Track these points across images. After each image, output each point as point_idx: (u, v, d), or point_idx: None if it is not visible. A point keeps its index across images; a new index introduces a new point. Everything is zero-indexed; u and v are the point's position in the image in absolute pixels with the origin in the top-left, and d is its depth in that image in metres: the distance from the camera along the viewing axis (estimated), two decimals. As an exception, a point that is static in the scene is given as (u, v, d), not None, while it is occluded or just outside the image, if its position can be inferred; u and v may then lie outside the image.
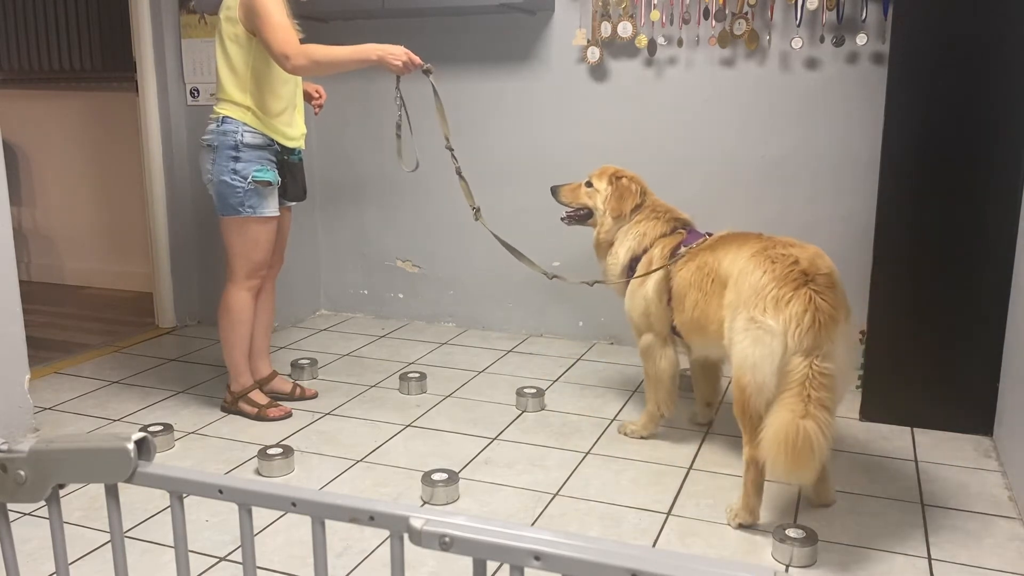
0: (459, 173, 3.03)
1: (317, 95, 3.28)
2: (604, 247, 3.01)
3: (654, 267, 2.80)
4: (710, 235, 2.75)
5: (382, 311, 4.55)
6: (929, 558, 2.23)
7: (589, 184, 3.03)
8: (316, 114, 3.38)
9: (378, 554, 2.24)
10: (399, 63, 2.85)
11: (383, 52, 2.84)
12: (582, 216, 3.08)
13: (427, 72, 2.93)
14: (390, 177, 4.26)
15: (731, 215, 3.54)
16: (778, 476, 2.20)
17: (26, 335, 3.04)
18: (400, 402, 3.36)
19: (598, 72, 3.87)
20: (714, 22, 3.58)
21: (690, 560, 0.76)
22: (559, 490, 2.62)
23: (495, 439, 3.00)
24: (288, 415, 3.19)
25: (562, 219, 3.13)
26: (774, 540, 2.23)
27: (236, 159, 2.91)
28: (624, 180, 2.95)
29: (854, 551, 2.26)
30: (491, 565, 0.88)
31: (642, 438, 2.98)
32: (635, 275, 2.87)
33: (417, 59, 2.89)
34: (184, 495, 1.03)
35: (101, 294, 5.23)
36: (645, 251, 2.87)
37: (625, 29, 3.69)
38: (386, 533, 0.91)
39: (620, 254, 2.93)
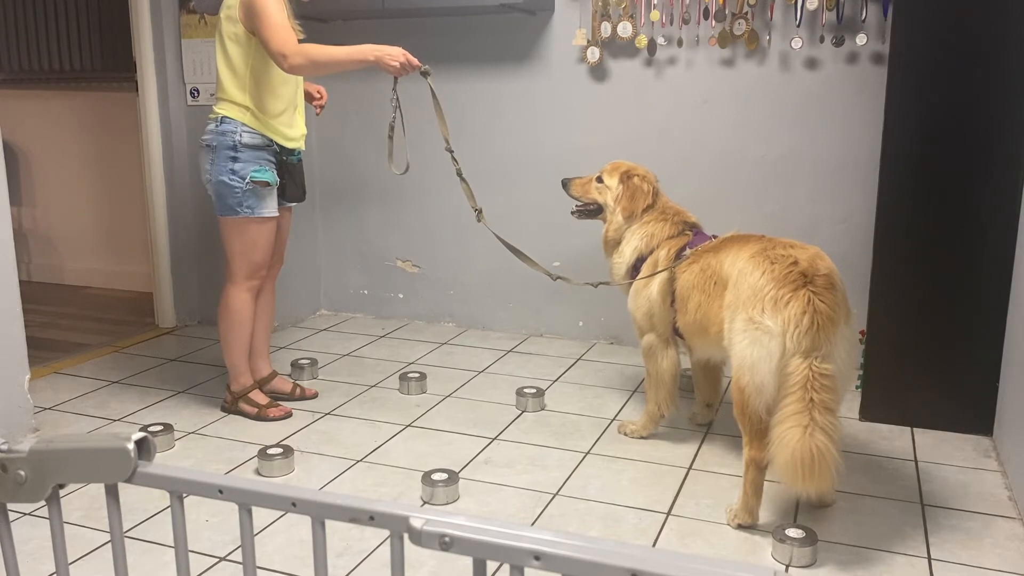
0: (460, 175, 3.02)
1: (319, 95, 3.28)
2: (612, 245, 3.00)
3: (658, 269, 2.80)
4: (716, 237, 2.74)
5: (382, 311, 4.55)
6: (929, 558, 2.23)
7: (600, 180, 3.02)
8: (318, 115, 3.38)
9: (378, 554, 2.24)
10: (396, 64, 2.84)
11: (380, 53, 2.83)
12: (592, 211, 3.07)
13: (425, 74, 2.92)
14: (390, 177, 4.25)
15: (731, 215, 3.55)
16: (797, 491, 2.21)
17: (26, 335, 3.04)
18: (400, 402, 3.36)
19: (598, 72, 3.87)
20: (714, 22, 3.58)
21: (690, 560, 0.76)
22: (559, 490, 2.62)
23: (495, 439, 3.00)
24: (288, 415, 3.19)
25: (572, 212, 3.13)
26: (774, 540, 2.23)
27: (234, 159, 2.91)
28: (636, 179, 2.93)
29: (854, 551, 2.26)
30: (491, 565, 0.88)
31: (642, 438, 2.98)
32: (640, 276, 2.86)
33: (415, 60, 2.88)
34: (184, 495, 1.03)
35: (101, 294, 5.23)
36: (651, 252, 2.87)
37: (625, 29, 3.69)
38: (386, 533, 0.91)
39: (626, 253, 2.93)
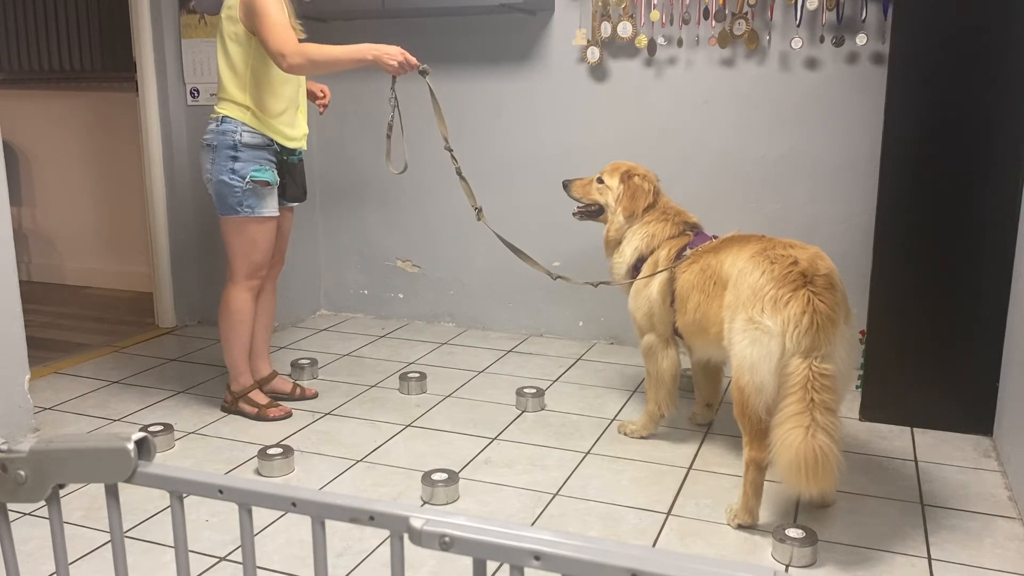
0: (459, 174, 3.02)
1: (322, 95, 3.27)
2: (613, 245, 3.00)
3: (659, 269, 2.80)
4: (716, 238, 2.74)
5: (382, 311, 4.55)
6: (929, 558, 2.23)
7: (601, 180, 3.02)
8: (321, 113, 3.38)
9: (378, 554, 2.24)
10: (394, 63, 2.84)
11: (379, 52, 2.83)
12: (593, 212, 3.07)
13: (423, 73, 2.92)
14: (390, 177, 4.25)
15: (731, 215, 3.55)
16: (799, 492, 2.21)
17: (26, 335, 3.04)
18: (400, 402, 3.36)
19: (598, 72, 3.87)
20: (714, 22, 3.58)
21: (690, 560, 0.76)
22: (559, 490, 2.62)
23: (495, 439, 3.00)
24: (288, 415, 3.19)
25: (574, 214, 3.13)
26: (774, 540, 2.23)
27: (235, 159, 2.91)
28: (636, 179, 2.94)
29: (854, 551, 2.26)
30: (491, 565, 0.88)
31: (642, 438, 2.98)
32: (640, 276, 2.86)
33: (413, 60, 2.88)
34: (184, 495, 1.03)
35: (101, 294, 5.23)
36: (652, 252, 2.87)
37: (625, 29, 3.69)
38: (386, 533, 0.91)
39: (627, 253, 2.93)
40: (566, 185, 3.12)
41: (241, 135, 2.90)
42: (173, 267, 4.34)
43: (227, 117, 2.92)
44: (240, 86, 2.91)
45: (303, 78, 3.06)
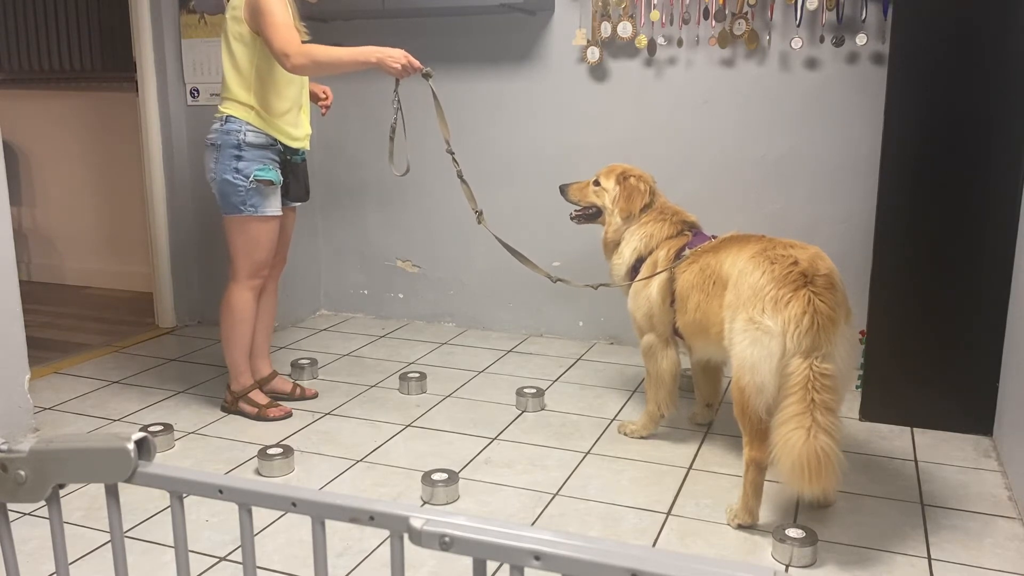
0: (461, 177, 3.02)
1: (324, 96, 3.27)
2: (611, 246, 3.00)
3: (658, 269, 2.80)
4: (715, 237, 2.74)
5: (382, 311, 4.55)
6: (929, 558, 2.23)
7: (597, 183, 3.03)
8: (323, 115, 3.38)
9: (378, 554, 2.24)
10: (398, 66, 2.85)
11: (382, 55, 2.84)
12: (591, 215, 3.07)
13: (427, 76, 2.93)
14: (391, 178, 4.25)
15: (731, 215, 3.55)
16: (802, 493, 2.21)
17: (26, 335, 3.03)
18: (400, 402, 3.36)
19: (598, 72, 3.87)
20: (714, 22, 3.58)
21: (690, 560, 0.76)
22: (559, 490, 2.62)
23: (495, 439, 3.00)
24: (288, 415, 3.19)
25: (571, 217, 3.13)
26: (774, 540, 2.23)
27: (239, 158, 2.91)
28: (632, 179, 2.94)
29: (854, 551, 2.26)
30: (491, 565, 0.88)
31: (642, 438, 2.98)
32: (639, 276, 2.87)
33: (416, 63, 2.89)
34: (184, 495, 1.03)
35: (101, 294, 5.23)
36: (651, 252, 2.87)
37: (625, 29, 3.69)
38: (386, 533, 0.91)
39: (626, 254, 2.93)
40: (563, 189, 3.12)
41: (245, 135, 2.91)
42: (173, 267, 4.34)
43: (231, 117, 2.92)
44: (244, 86, 2.92)
45: (306, 78, 3.07)
